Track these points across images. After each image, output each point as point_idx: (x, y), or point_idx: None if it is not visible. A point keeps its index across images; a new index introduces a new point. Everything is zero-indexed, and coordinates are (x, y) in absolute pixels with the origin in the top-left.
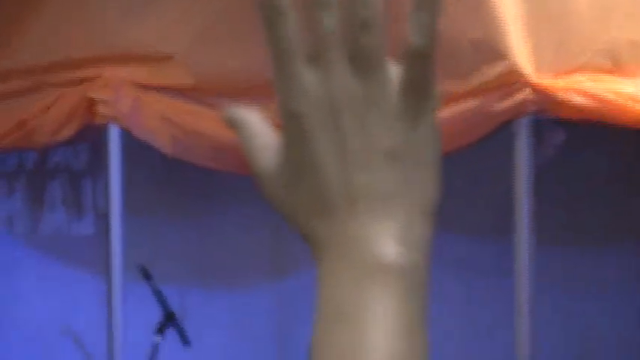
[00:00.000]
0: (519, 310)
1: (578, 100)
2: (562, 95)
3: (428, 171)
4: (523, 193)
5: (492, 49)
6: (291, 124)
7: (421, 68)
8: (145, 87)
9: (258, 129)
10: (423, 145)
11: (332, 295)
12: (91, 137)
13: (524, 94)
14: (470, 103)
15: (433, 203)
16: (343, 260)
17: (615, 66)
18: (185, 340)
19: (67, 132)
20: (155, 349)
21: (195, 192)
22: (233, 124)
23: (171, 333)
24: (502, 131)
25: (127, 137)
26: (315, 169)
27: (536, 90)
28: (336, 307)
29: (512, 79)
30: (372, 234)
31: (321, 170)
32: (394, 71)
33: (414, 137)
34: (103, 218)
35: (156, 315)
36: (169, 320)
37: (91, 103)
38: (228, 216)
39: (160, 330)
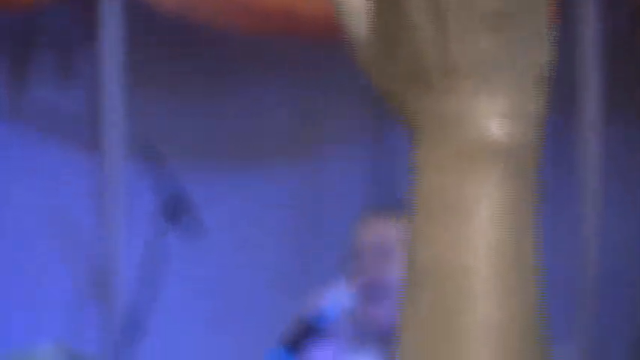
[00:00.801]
0: (585, 204)
1: None
2: None
3: (538, 31)
4: (590, 70)
5: None
6: None
7: None
8: None
9: None
10: (531, 2)
11: (428, 183)
12: None
13: None
14: None
15: (547, 69)
16: (441, 142)
17: None
18: (198, 230)
19: None
20: (159, 241)
21: (205, 61)
22: None
23: (178, 222)
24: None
25: None
26: (408, 36)
27: None
28: (431, 197)
29: None
30: (474, 109)
31: (414, 37)
32: None
33: None
34: (97, 91)
35: (160, 204)
36: (178, 208)
37: None
38: (242, 89)
39: (168, 219)
